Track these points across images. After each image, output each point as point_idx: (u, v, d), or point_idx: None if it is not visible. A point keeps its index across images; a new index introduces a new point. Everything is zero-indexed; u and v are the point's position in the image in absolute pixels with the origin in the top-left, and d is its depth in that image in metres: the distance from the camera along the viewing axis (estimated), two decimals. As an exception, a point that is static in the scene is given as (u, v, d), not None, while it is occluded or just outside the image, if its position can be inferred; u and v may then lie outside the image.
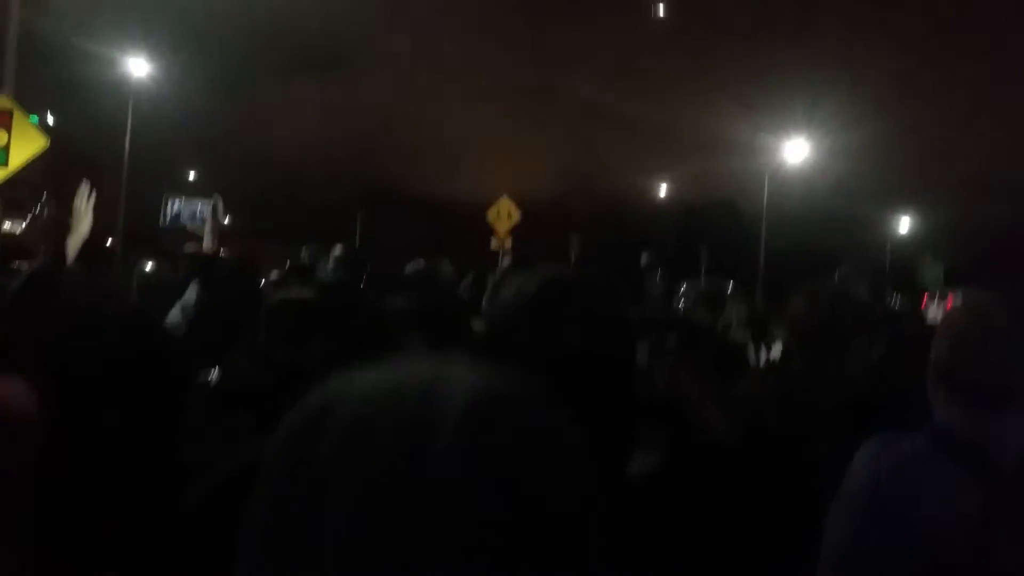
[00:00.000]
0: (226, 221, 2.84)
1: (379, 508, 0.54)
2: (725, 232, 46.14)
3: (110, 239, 20.07)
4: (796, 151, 33.56)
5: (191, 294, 2.83)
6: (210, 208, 3.04)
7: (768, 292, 16.56)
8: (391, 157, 52.55)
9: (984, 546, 1.48)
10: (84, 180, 2.84)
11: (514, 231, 16.63)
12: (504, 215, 16.48)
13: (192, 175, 44.99)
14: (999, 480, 1.51)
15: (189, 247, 4.21)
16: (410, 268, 5.46)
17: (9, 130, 8.90)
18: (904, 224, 45.17)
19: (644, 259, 3.30)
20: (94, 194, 2.83)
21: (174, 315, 2.77)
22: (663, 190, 46.15)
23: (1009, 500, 1.49)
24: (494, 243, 16.37)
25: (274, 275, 5.57)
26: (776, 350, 2.53)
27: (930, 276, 27.62)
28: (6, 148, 8.82)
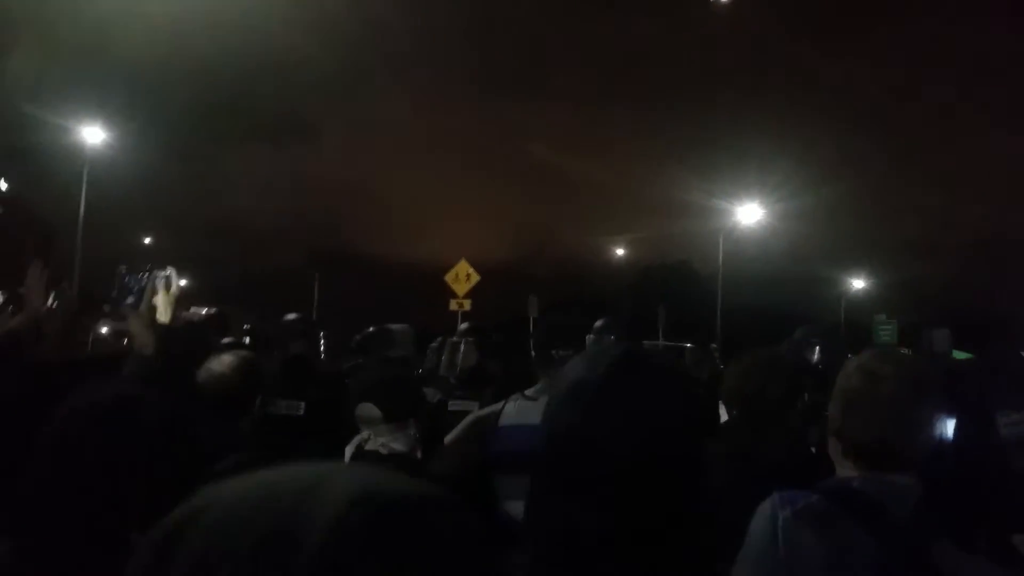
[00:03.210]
0: (174, 288, 2.82)
1: None
2: (681, 292, 46.71)
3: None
4: (749, 214, 34.31)
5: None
6: (162, 280, 2.97)
7: (726, 350, 16.70)
8: (349, 222, 52.72)
9: None
10: (35, 259, 2.82)
11: (473, 293, 16.66)
12: (463, 277, 16.51)
13: (148, 240, 44.53)
14: (895, 534, 1.51)
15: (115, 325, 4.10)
16: (363, 334, 5.40)
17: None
18: (856, 283, 46.22)
19: (600, 323, 3.32)
20: (46, 272, 2.81)
21: None
22: (620, 252, 46.74)
23: (905, 554, 1.50)
24: (453, 305, 16.38)
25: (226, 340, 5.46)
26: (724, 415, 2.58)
27: (884, 334, 27.94)
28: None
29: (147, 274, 2.84)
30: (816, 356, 4.19)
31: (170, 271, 3.08)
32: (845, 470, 1.65)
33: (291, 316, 4.83)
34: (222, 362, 2.85)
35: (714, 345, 19.68)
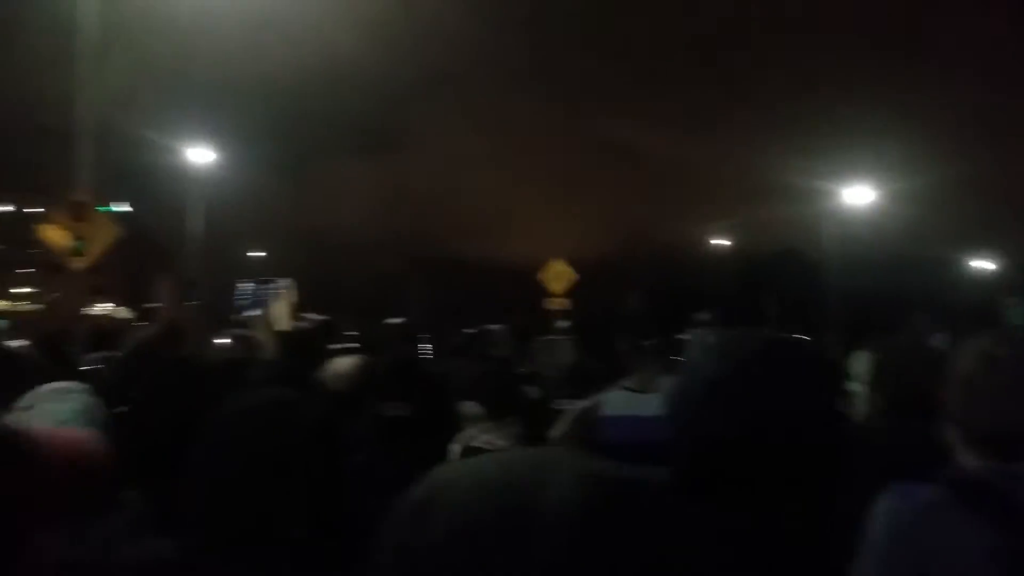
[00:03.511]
0: (290, 299, 3.03)
1: None
2: (790, 280, 45.27)
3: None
4: (860, 195, 32.86)
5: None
6: (280, 291, 3.20)
7: (844, 338, 16.11)
8: (445, 226, 53.49)
9: None
10: (166, 276, 3.10)
11: (572, 290, 16.62)
12: (559, 276, 16.50)
13: (256, 254, 46.35)
14: (1021, 526, 1.42)
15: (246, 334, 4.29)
16: (464, 336, 5.47)
17: (87, 222, 9.35)
18: (984, 264, 43.72)
19: (705, 313, 3.25)
20: (176, 287, 3.07)
21: None
22: (720, 240, 45.65)
23: None
24: (551, 304, 16.38)
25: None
26: (856, 403, 2.49)
27: (1017, 317, 26.36)
28: (85, 239, 9.25)
29: (265, 286, 3.05)
30: (940, 342, 4.00)
31: (286, 283, 3.28)
32: (966, 460, 1.56)
33: (394, 320, 4.93)
34: (345, 363, 3.03)
35: (830, 334, 19.00)
